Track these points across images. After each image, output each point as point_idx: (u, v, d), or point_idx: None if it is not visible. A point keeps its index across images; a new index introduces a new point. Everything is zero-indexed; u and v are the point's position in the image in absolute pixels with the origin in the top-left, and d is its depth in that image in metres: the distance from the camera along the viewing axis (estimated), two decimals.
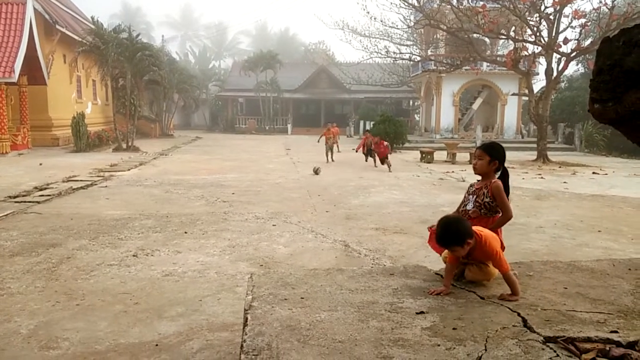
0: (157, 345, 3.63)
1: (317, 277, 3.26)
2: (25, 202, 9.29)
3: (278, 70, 40.71)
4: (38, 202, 9.25)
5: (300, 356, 2.19)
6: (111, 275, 5.19)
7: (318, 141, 20.12)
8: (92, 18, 24.27)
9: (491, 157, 3.56)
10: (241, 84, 42.56)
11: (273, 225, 7.60)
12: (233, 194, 10.54)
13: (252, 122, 42.02)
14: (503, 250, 3.20)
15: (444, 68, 24.24)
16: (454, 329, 2.52)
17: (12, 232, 6.99)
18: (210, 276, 5.19)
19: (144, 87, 25.95)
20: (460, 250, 3.02)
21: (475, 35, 21.44)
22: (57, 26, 22.38)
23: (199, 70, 48.79)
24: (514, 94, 27.88)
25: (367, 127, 30.19)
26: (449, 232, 3.02)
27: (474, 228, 3.08)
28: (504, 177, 3.60)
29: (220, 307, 4.35)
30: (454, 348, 2.30)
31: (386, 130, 22.99)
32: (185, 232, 7.06)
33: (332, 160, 17.97)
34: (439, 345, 2.33)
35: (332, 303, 2.82)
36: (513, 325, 2.55)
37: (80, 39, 23.12)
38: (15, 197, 9.75)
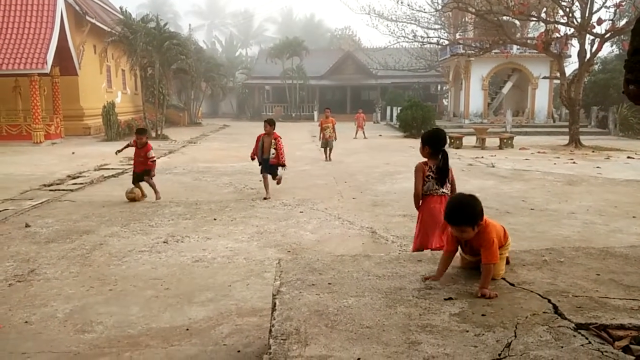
0: (187, 329, 3.71)
1: (344, 263, 3.27)
2: (59, 190, 9.56)
3: (304, 57, 40.62)
4: (71, 190, 9.50)
5: (328, 341, 2.20)
6: (142, 261, 5.31)
7: (319, 138, 15.52)
8: (121, 8, 24.63)
9: (422, 143, 4.29)
10: (267, 71, 42.63)
11: (300, 212, 7.63)
12: (260, 181, 10.59)
13: (279, 109, 42.12)
14: (506, 242, 3.06)
15: (472, 52, 23.79)
16: (482, 315, 2.50)
17: (47, 219, 7.21)
18: (239, 262, 5.27)
19: (172, 76, 26.29)
20: (470, 232, 2.86)
21: (505, 17, 20.90)
22: (87, 17, 22.76)
23: (225, 59, 49.07)
24: (545, 77, 27.18)
25: (395, 113, 29.92)
26: (465, 210, 2.85)
27: None
28: (445, 158, 4.24)
29: (249, 292, 4.41)
30: (483, 334, 2.28)
31: (414, 115, 22.76)
32: (215, 219, 7.16)
33: (329, 159, 14.12)
34: (467, 331, 2.31)
35: (360, 289, 2.82)
36: (543, 312, 2.51)
37: (109, 30, 23.49)
38: (49, 185, 10.04)
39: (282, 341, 2.20)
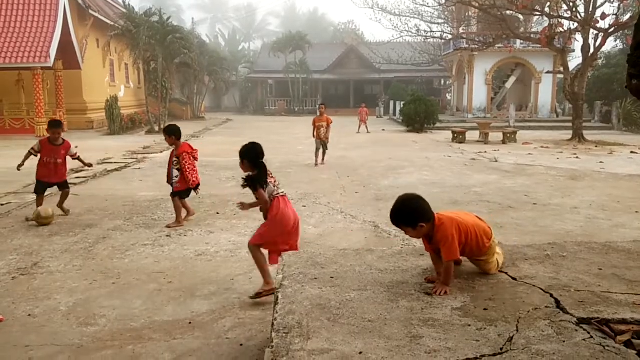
0: (190, 323, 3.73)
1: (347, 257, 3.28)
2: None
3: (307, 51, 40.56)
4: (74, 184, 9.49)
5: (330, 334, 2.21)
6: (145, 254, 5.33)
7: (314, 136, 12.50)
8: (124, 2, 24.57)
9: (241, 158, 4.24)
10: (270, 65, 42.57)
11: (303, 206, 7.63)
12: None
13: (282, 103, 42.08)
14: (490, 240, 2.98)
15: (476, 46, 23.71)
16: (484, 309, 2.50)
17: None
18: (241, 256, 5.27)
19: (175, 70, 26.25)
20: (411, 232, 2.83)
21: (508, 12, 20.79)
22: (90, 11, 22.76)
23: (228, 53, 49.00)
24: (548, 72, 27.07)
25: (398, 107, 29.84)
26: (403, 210, 2.84)
27: (440, 212, 2.93)
28: (262, 169, 4.21)
29: (251, 286, 4.42)
30: (485, 328, 2.28)
31: (417, 110, 22.69)
32: (217, 213, 7.17)
33: (322, 163, 12.05)
34: (469, 325, 2.32)
35: (362, 283, 2.83)
36: (546, 307, 2.51)
37: (112, 23, 23.48)
38: None
39: (284, 335, 2.21)
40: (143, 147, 16.13)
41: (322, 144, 12.23)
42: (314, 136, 12.43)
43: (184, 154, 6.46)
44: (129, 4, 24.16)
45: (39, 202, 6.84)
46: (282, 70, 40.87)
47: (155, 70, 24.05)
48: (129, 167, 11.92)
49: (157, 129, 22.46)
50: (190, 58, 25.71)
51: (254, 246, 4.13)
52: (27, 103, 20.24)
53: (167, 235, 6.03)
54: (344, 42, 48.37)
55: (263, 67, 44.07)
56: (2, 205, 7.71)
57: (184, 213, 6.61)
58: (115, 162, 12.44)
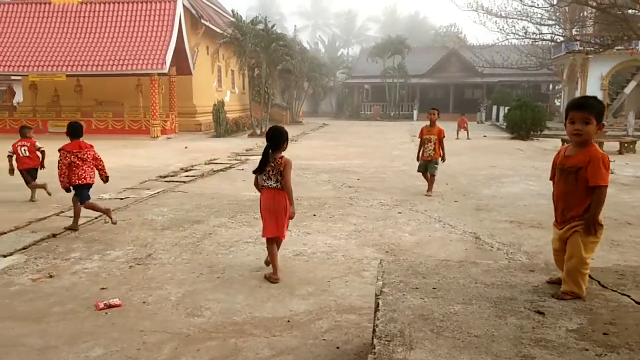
0: (289, 321, 3.81)
1: (450, 269, 3.17)
2: (173, 181, 10.27)
3: (406, 55, 40.11)
4: (184, 182, 10.17)
5: (434, 347, 2.15)
6: (248, 252, 5.54)
7: (419, 158, 9.12)
8: (233, 12, 25.88)
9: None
10: (368, 70, 42.66)
11: (399, 213, 7.54)
12: (358, 179, 10.64)
13: (377, 108, 41.97)
14: None
15: (591, 49, 22.04)
16: (604, 334, 2.30)
17: (163, 208, 7.77)
18: (337, 259, 5.31)
19: (277, 76, 27.16)
20: (588, 127, 2.77)
21: (630, 11, 19.11)
22: (202, 20, 24.23)
23: (327, 59, 49.82)
24: None
25: (502, 113, 28.54)
26: (600, 103, 2.87)
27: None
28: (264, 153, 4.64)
29: (347, 289, 4.43)
30: (606, 355, 2.10)
31: (523, 116, 21.57)
32: (314, 215, 7.29)
33: (430, 192, 8.82)
34: (587, 350, 2.14)
35: (467, 296, 2.72)
36: None
37: (221, 32, 24.82)
38: (165, 177, 10.83)
39: (386, 342, 2.18)
40: (246, 150, 16.86)
41: (427, 165, 8.93)
42: (418, 158, 9.09)
43: (62, 152, 6.27)
44: (237, 13, 25.39)
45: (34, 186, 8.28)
46: (380, 75, 40.76)
47: (260, 77, 25.04)
48: (233, 168, 12.50)
49: (259, 132, 23.38)
50: (292, 65, 26.47)
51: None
52: (145, 106, 22.02)
53: None
54: (445, 46, 47.22)
55: (361, 72, 44.29)
56: (122, 199, 8.41)
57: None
58: (221, 163, 13.12)
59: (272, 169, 4.60)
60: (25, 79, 23.27)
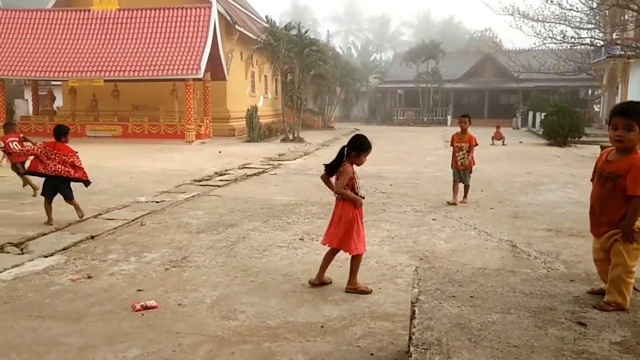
0: (322, 327, 3.81)
1: (487, 277, 3.12)
2: (207, 185, 10.42)
3: (440, 60, 39.76)
4: (218, 186, 10.31)
5: (472, 356, 2.11)
6: (280, 256, 5.58)
7: (453, 165, 8.86)
8: (266, 17, 26.13)
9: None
10: (401, 75, 42.45)
11: (433, 219, 7.45)
12: (391, 185, 10.58)
13: (410, 113, 41.66)
14: None
15: (633, 53, 21.37)
16: None
17: (197, 211, 7.89)
18: (370, 265, 5.29)
19: (310, 81, 27.27)
20: (630, 134, 2.70)
21: None
22: (236, 26, 24.56)
23: (360, 64, 49.77)
24: None
25: (538, 118, 27.92)
26: None
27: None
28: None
29: (381, 296, 4.41)
30: None
31: (560, 122, 21.08)
32: None
33: (463, 201, 8.62)
34: None
35: (505, 305, 2.67)
36: None
37: (255, 37, 25.10)
38: (199, 180, 11.00)
39: (423, 350, 2.16)
40: (278, 155, 16.98)
41: (461, 174, 8.71)
42: (453, 165, 8.84)
43: (43, 143, 7.06)
44: (270, 19, 25.63)
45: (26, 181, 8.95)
46: (413, 80, 40.50)
47: (292, 82, 25.19)
48: (266, 172, 12.61)
49: (291, 137, 23.51)
50: (324, 70, 26.54)
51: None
52: (179, 111, 22.44)
53: (300, 239, 6.26)
54: (480, 50, 46.57)
55: (393, 77, 44.11)
56: (157, 202, 8.57)
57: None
58: (254, 167, 13.25)
59: (336, 178, 4.60)
60: (64, 83, 24.04)
